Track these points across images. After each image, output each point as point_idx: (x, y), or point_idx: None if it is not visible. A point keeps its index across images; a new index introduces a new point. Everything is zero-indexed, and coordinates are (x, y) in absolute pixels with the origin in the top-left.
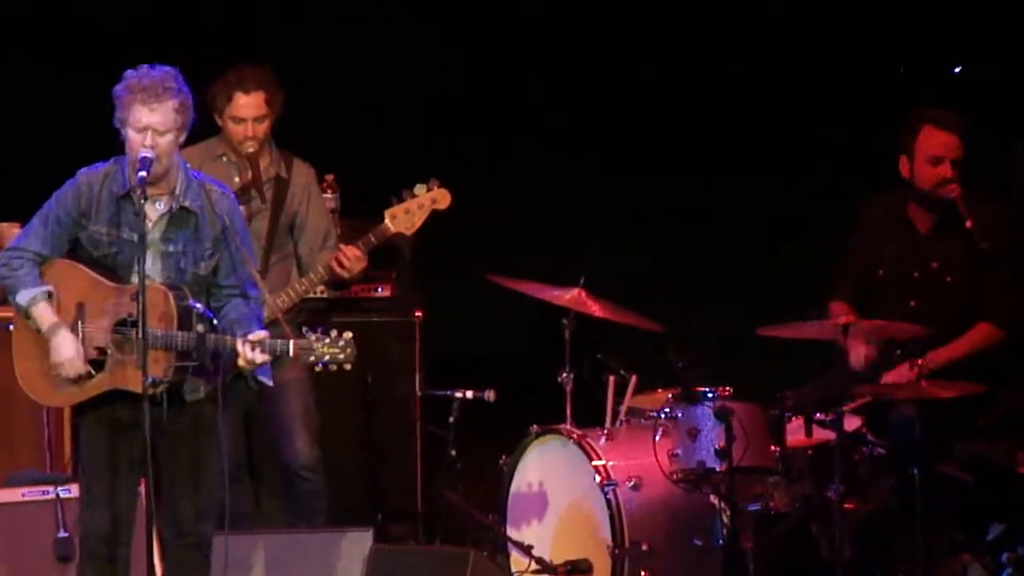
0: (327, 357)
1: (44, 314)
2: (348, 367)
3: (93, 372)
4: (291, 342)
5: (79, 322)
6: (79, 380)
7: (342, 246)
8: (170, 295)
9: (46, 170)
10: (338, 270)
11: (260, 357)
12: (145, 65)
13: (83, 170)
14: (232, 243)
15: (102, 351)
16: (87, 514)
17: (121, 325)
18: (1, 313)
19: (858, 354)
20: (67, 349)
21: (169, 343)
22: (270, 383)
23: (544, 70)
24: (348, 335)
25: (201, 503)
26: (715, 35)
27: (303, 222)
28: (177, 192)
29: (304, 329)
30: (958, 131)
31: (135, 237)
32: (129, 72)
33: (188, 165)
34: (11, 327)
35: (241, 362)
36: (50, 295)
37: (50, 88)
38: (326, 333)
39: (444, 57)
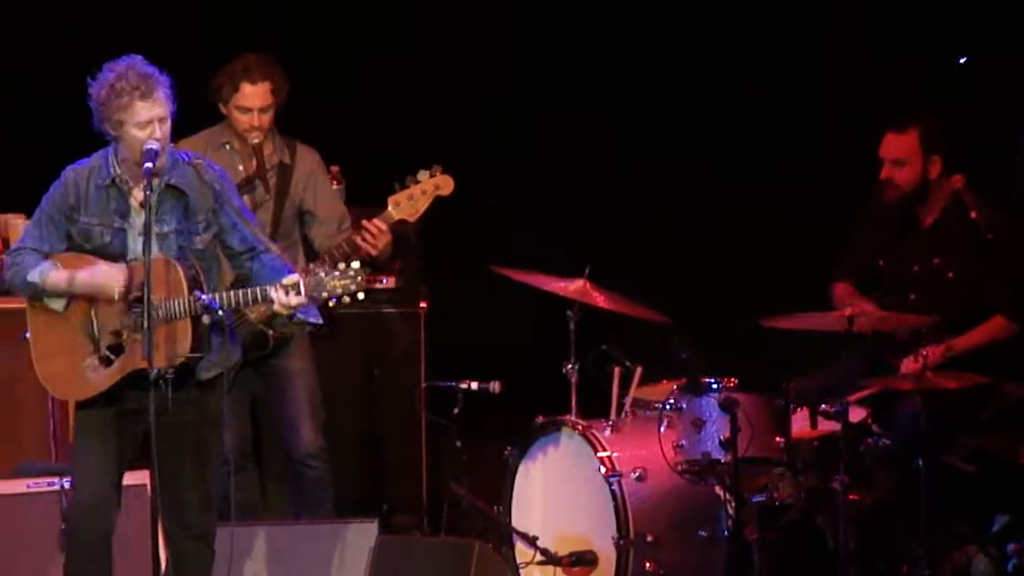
0: (339, 290)
1: (59, 276)
2: (361, 296)
3: (113, 357)
4: (301, 283)
5: (92, 310)
6: (106, 364)
7: (364, 221)
8: (174, 264)
9: (49, 162)
10: (363, 244)
11: (295, 299)
12: (118, 63)
13: (69, 167)
14: (228, 207)
15: (118, 334)
16: (77, 499)
17: (136, 303)
18: (4, 304)
19: (864, 309)
20: (102, 275)
21: (169, 313)
22: (319, 321)
23: (548, 58)
24: (356, 264)
25: (206, 494)
26: (717, 30)
27: (312, 210)
28: (161, 171)
29: (311, 266)
30: (916, 128)
31: (125, 224)
32: (108, 75)
33: (173, 147)
34: (27, 336)
35: (277, 307)
36: (57, 265)
37: (50, 79)
38: (334, 267)
39: (449, 46)
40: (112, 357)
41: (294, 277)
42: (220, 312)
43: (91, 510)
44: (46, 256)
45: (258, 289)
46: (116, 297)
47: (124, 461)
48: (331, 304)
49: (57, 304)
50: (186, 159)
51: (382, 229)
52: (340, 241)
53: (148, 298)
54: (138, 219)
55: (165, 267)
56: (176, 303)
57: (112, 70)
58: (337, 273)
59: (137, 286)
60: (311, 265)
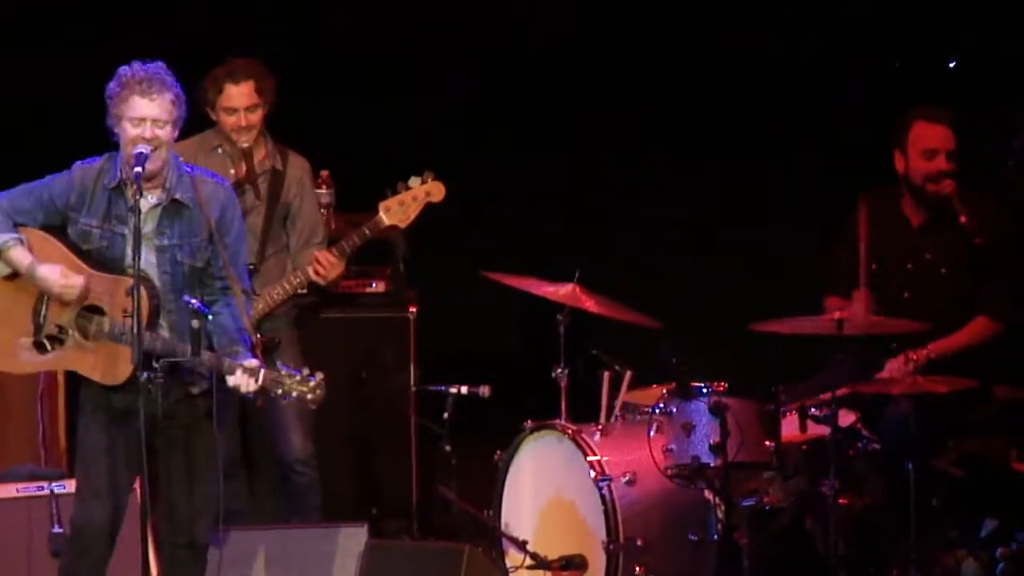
0: (295, 393)
1: (19, 256)
2: (314, 407)
3: (50, 348)
4: (261, 371)
5: (45, 296)
6: (42, 349)
7: (317, 253)
8: (143, 292)
9: (43, 162)
10: (314, 276)
11: (250, 385)
12: (136, 61)
13: (78, 163)
14: (223, 238)
15: (63, 330)
16: (84, 507)
17: (87, 311)
18: None
19: (857, 312)
20: (58, 275)
21: (165, 350)
22: (252, 398)
23: (541, 63)
24: (320, 377)
25: (198, 501)
26: (711, 33)
27: (295, 214)
28: (168, 185)
29: (279, 363)
30: (949, 124)
31: (124, 230)
32: (123, 68)
33: (180, 159)
34: None
35: (230, 382)
36: (23, 242)
37: (45, 79)
38: (298, 370)
39: (441, 52)
40: (48, 347)
41: (254, 363)
42: (209, 317)
43: (104, 530)
44: (16, 227)
45: (224, 360)
46: (67, 301)
47: (130, 471)
48: (284, 403)
49: (2, 269)
50: (190, 172)
51: (333, 262)
52: (308, 259)
53: (137, 305)
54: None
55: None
56: (158, 341)
57: (130, 65)
58: (298, 377)
59: (94, 296)
60: (279, 363)
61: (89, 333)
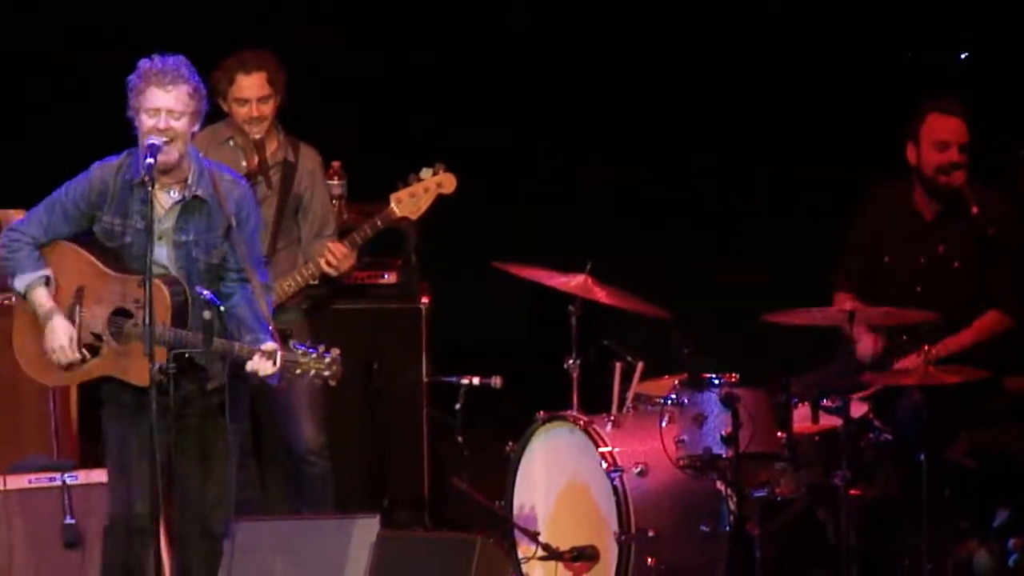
0: (312, 372)
1: (41, 299)
2: (333, 383)
3: (88, 356)
4: (278, 354)
5: (77, 306)
6: (71, 367)
7: (328, 244)
8: (165, 291)
9: (49, 158)
10: (326, 268)
11: (270, 368)
12: (157, 54)
13: (96, 164)
14: (240, 233)
15: (98, 337)
16: (118, 497)
17: (117, 314)
18: (5, 302)
19: (866, 345)
20: (60, 336)
21: (177, 341)
22: (275, 382)
23: (549, 54)
24: (335, 352)
25: (212, 491)
26: (723, 24)
27: (307, 206)
28: (190, 181)
29: (292, 343)
30: (963, 116)
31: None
32: (143, 60)
33: (201, 154)
34: (13, 298)
35: (249, 367)
36: (48, 280)
37: (51, 77)
38: (314, 348)
39: (449, 42)
40: (87, 356)
41: (271, 345)
42: (221, 308)
43: (149, 513)
44: (45, 245)
45: (243, 347)
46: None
47: (149, 464)
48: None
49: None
50: (210, 169)
51: (345, 253)
52: (312, 254)
53: (149, 297)
54: (159, 223)
55: (160, 295)
56: (185, 335)
57: (150, 57)
58: (315, 355)
59: (123, 299)
60: (293, 342)
61: (120, 337)
